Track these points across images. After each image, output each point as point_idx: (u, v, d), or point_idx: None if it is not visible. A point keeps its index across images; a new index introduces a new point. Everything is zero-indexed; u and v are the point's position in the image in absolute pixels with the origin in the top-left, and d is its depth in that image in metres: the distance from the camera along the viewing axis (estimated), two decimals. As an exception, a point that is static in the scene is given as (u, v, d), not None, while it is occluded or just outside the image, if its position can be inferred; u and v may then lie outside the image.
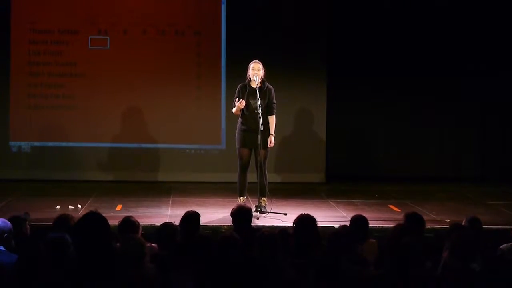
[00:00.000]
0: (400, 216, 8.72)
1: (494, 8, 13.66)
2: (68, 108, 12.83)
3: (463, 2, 13.67)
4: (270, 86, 9.95)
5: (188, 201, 10.80)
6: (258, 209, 9.60)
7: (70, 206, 9.99)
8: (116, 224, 6.75)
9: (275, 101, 9.97)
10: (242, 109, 9.88)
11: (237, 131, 10.04)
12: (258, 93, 9.67)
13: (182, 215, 6.97)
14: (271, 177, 11.21)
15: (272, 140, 9.88)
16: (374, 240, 7.08)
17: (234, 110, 9.93)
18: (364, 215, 7.23)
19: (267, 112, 9.89)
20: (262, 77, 9.81)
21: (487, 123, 13.94)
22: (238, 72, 10.73)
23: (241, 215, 7.38)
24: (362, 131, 13.78)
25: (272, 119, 9.94)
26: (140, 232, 6.63)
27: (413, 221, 6.92)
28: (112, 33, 12.83)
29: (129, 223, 6.68)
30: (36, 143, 12.85)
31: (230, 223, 7.78)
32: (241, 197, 9.98)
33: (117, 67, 12.84)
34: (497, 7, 13.66)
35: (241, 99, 9.76)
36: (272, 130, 9.92)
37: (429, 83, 13.67)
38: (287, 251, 6.06)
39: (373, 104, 13.70)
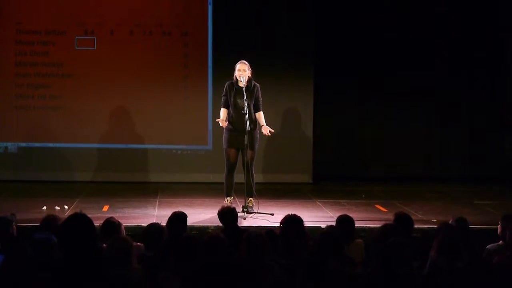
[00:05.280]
0: (387, 216, 8.76)
1: (482, 10, 13.70)
2: (55, 109, 12.78)
3: (452, 2, 13.70)
4: (257, 84, 9.94)
5: (175, 201, 10.77)
6: (245, 210, 9.59)
7: (56, 207, 9.95)
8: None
9: (261, 98, 9.96)
10: (229, 109, 9.90)
11: (224, 132, 10.03)
12: (244, 92, 9.67)
13: (169, 215, 6.98)
14: (258, 177, 11.21)
15: (268, 128, 9.86)
16: (360, 240, 7.09)
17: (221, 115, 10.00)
18: (351, 215, 7.24)
19: (255, 109, 9.89)
20: (249, 76, 9.81)
21: (474, 123, 13.96)
22: (225, 73, 10.70)
23: (225, 216, 7.42)
24: (349, 131, 13.77)
25: (260, 115, 9.94)
26: (122, 232, 6.61)
27: (402, 221, 6.94)
28: (99, 33, 12.79)
29: (110, 224, 6.65)
30: (23, 144, 12.80)
31: (217, 224, 7.81)
32: (228, 198, 9.97)
33: (104, 68, 12.80)
34: (484, 9, 13.71)
35: (222, 122, 9.80)
36: (263, 122, 9.91)
37: (416, 82, 13.67)
38: (274, 252, 6.06)
39: (360, 105, 13.71)
